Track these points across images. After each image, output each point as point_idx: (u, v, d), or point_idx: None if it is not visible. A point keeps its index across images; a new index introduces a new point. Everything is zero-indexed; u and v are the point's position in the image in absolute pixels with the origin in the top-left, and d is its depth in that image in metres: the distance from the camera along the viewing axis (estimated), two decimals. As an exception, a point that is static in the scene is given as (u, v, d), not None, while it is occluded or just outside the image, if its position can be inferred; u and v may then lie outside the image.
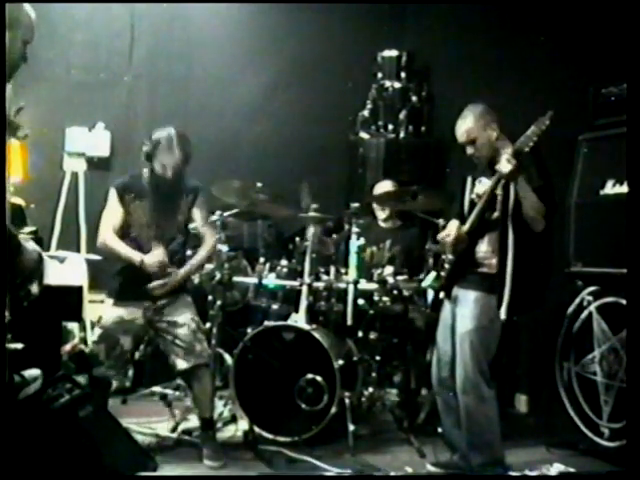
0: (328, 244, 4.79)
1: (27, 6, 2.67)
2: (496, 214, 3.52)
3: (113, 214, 3.93)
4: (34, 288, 2.60)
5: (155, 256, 3.83)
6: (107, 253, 4.02)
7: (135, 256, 3.84)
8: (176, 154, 3.85)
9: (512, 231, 3.44)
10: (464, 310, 3.59)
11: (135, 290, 3.87)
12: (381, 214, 5.12)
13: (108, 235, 3.91)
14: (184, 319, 3.87)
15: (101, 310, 4.24)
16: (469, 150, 3.61)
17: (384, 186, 5.15)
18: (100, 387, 3.82)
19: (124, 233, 3.92)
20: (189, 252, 4.25)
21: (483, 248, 3.59)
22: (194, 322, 3.89)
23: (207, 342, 3.96)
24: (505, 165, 3.34)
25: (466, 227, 3.58)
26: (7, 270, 2.42)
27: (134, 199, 3.92)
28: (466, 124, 3.59)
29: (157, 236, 3.89)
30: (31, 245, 2.68)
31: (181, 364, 3.84)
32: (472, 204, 3.64)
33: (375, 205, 5.12)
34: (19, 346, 2.80)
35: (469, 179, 3.75)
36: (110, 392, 4.09)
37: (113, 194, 3.94)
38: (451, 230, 3.61)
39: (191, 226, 4.11)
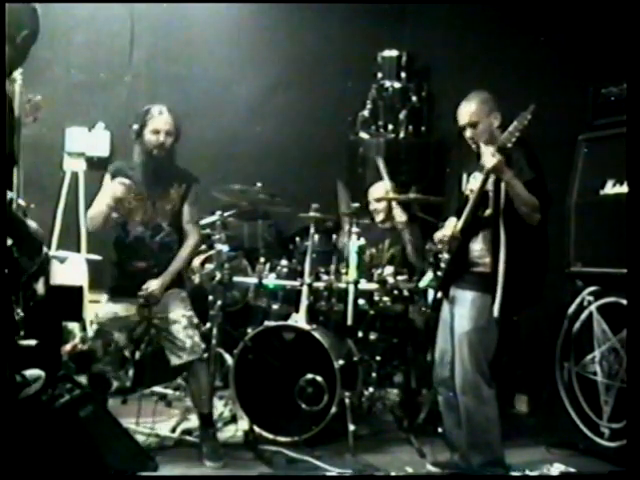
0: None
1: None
2: (489, 211, 3.51)
3: (104, 195, 3.92)
4: (40, 288, 2.60)
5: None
6: (98, 224, 3.92)
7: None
8: (167, 118, 3.86)
9: (503, 228, 3.44)
10: (462, 310, 3.59)
11: (129, 286, 3.86)
12: (378, 215, 5.11)
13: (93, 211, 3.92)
14: (175, 315, 3.85)
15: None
16: (468, 133, 3.60)
17: (379, 187, 5.14)
18: (99, 386, 3.82)
19: (115, 218, 3.91)
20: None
21: (478, 247, 3.59)
22: (185, 318, 3.85)
23: (203, 338, 3.96)
24: (489, 160, 3.34)
25: (459, 225, 3.57)
26: (14, 269, 2.42)
27: None
28: (470, 106, 3.58)
29: (142, 221, 3.89)
30: (33, 223, 2.69)
31: (174, 360, 3.83)
32: (467, 200, 3.63)
33: (372, 207, 5.12)
34: (32, 342, 2.79)
35: (464, 175, 3.76)
36: (110, 392, 4.09)
37: (107, 178, 3.96)
38: (447, 230, 3.62)
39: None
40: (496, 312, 3.44)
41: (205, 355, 3.91)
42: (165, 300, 3.87)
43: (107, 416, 3.60)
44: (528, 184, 3.38)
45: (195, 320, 3.93)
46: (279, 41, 6.20)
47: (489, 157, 3.35)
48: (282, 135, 6.15)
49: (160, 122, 3.87)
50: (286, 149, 6.13)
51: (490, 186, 3.47)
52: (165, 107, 3.92)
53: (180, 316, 3.85)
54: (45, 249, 2.68)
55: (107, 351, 3.84)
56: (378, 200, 5.05)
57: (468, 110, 3.58)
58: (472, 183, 3.64)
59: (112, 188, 3.81)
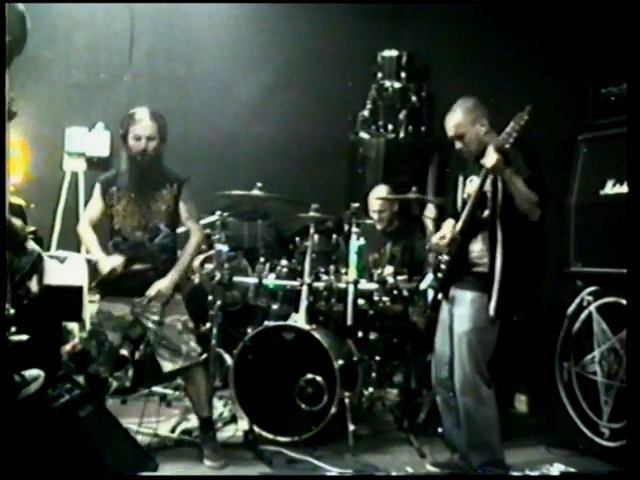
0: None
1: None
2: (487, 212, 3.51)
3: (93, 207, 3.98)
4: (34, 286, 2.59)
5: (111, 261, 3.80)
6: (82, 242, 4.12)
7: (94, 253, 3.88)
8: (147, 124, 3.81)
9: (500, 228, 3.44)
10: (461, 310, 3.59)
11: (124, 287, 3.84)
12: (380, 223, 5.10)
13: (82, 225, 3.97)
14: (170, 320, 3.82)
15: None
16: (458, 145, 3.60)
17: (380, 191, 5.13)
18: (95, 386, 3.82)
19: (110, 226, 3.91)
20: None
21: (477, 247, 3.59)
22: (180, 323, 3.83)
23: (202, 341, 3.94)
24: (490, 159, 3.33)
25: (458, 227, 3.58)
26: (7, 267, 2.42)
27: (117, 191, 3.91)
28: (455, 118, 3.57)
29: (139, 225, 3.86)
30: (30, 244, 2.68)
31: (167, 366, 3.80)
32: (464, 203, 3.63)
33: (372, 211, 5.11)
34: (24, 337, 2.78)
35: (461, 178, 3.76)
36: (107, 391, 4.09)
37: (97, 188, 3.98)
38: (446, 231, 3.62)
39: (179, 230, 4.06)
40: (492, 311, 3.44)
41: (202, 358, 3.89)
42: (160, 302, 3.83)
43: (107, 416, 3.60)
44: (527, 181, 3.38)
45: (190, 324, 3.90)
46: (279, 41, 6.20)
47: (488, 157, 3.35)
48: (282, 135, 6.15)
49: (140, 128, 3.81)
50: (286, 149, 6.13)
51: (488, 187, 3.48)
52: (147, 111, 3.86)
53: (175, 320, 3.83)
54: (38, 248, 2.67)
55: (101, 351, 3.81)
56: (379, 199, 5.04)
57: (453, 123, 3.58)
58: (469, 186, 3.64)
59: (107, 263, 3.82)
